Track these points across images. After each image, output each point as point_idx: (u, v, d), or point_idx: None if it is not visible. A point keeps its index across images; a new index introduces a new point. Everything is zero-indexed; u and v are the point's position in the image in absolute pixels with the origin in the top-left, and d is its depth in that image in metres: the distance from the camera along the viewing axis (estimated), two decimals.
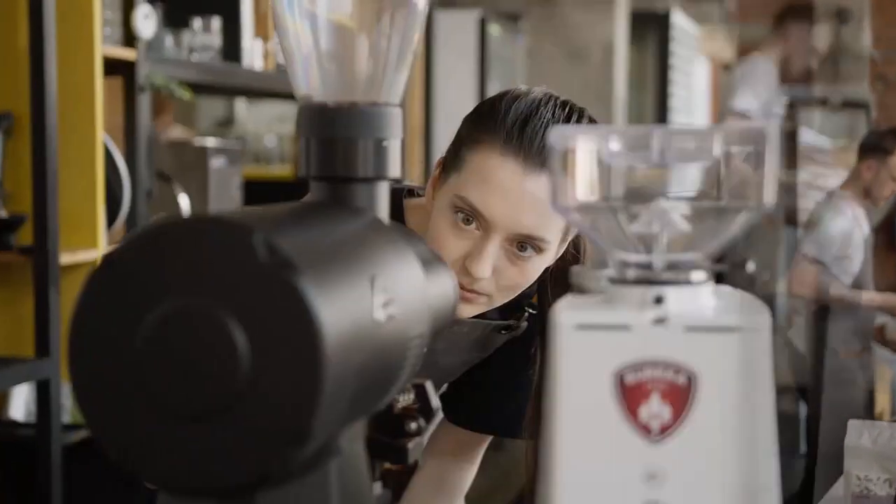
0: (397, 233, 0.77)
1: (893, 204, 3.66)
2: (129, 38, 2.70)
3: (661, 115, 7.32)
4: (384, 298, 0.67)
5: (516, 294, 1.31)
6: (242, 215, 0.62)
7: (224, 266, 0.59)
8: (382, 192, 0.77)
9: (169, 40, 2.98)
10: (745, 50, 8.71)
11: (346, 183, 0.76)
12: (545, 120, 1.23)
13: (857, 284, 4.51)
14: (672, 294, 0.67)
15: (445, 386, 1.51)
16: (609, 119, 5.75)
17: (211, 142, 3.24)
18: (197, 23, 3.06)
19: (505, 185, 1.22)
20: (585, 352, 0.66)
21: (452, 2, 5.40)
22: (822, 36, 4.62)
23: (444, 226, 1.26)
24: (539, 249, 1.25)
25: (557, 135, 0.68)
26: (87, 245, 2.55)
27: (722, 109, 4.64)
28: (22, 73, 2.42)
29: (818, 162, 4.52)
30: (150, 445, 0.60)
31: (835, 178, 4.55)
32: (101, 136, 2.54)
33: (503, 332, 1.42)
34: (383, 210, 0.77)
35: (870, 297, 4.70)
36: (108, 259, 0.61)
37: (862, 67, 9.31)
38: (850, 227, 4.51)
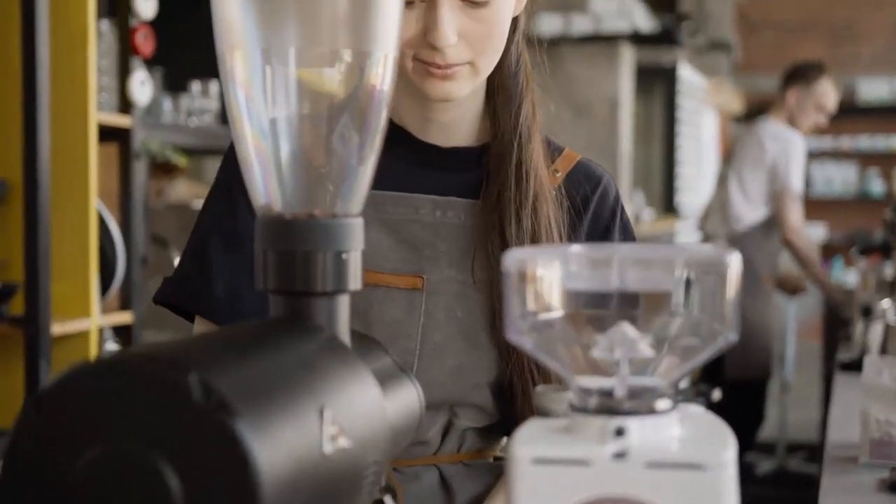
0: (355, 351, 0.74)
1: None
2: (126, 104, 2.70)
3: (669, 167, 7.31)
4: (335, 430, 0.64)
5: (499, 52, 1.21)
6: (181, 350, 0.59)
7: (158, 407, 0.57)
8: (342, 306, 0.75)
9: (167, 104, 2.97)
10: (752, 101, 8.75)
11: (305, 297, 0.73)
12: None
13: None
14: (634, 425, 0.64)
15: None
16: (615, 173, 5.73)
17: None
18: (196, 86, 3.06)
19: None
20: (543, 487, 0.63)
21: None
22: (829, 92, 4.59)
23: None
24: None
25: (513, 257, 0.66)
26: (80, 314, 2.53)
27: (763, 186, 4.55)
28: (15, 141, 2.41)
29: None
30: None
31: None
32: (94, 204, 2.53)
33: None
34: (343, 324, 0.75)
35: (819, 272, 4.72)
36: (39, 398, 0.58)
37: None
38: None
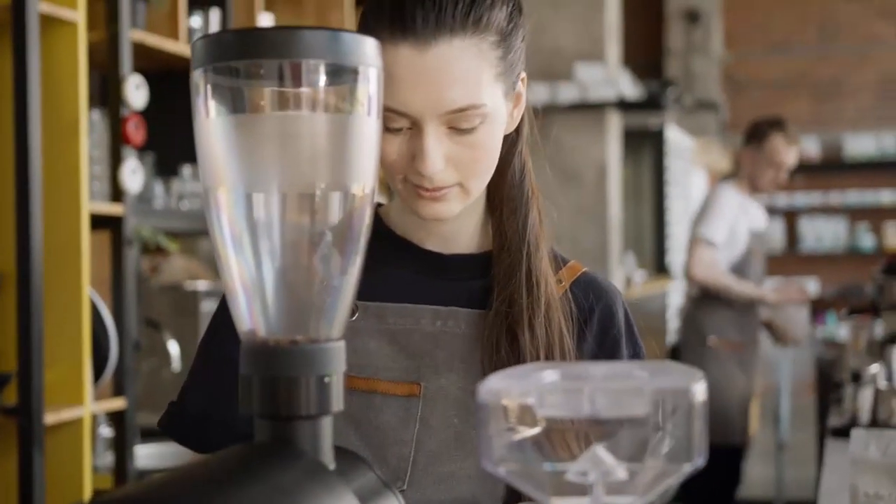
0: (337, 470, 0.76)
1: None
2: (118, 193, 2.73)
3: (659, 228, 7.37)
4: None
5: (489, 172, 1.21)
6: (166, 490, 0.62)
7: None
8: (325, 429, 0.77)
9: (159, 189, 3.01)
10: (739, 159, 8.83)
11: (289, 422, 0.76)
12: None
13: (738, 274, 4.53)
14: None
15: None
16: (605, 238, 5.77)
17: (203, 285, 3.26)
18: (186, 170, 3.10)
19: (407, 73, 1.13)
20: None
21: None
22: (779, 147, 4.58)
23: None
24: (481, 117, 1.17)
25: (487, 388, 0.69)
26: (73, 402, 2.54)
27: (691, 235, 4.66)
28: (8, 231, 2.44)
29: None
30: None
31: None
32: (87, 293, 2.55)
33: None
34: (326, 446, 0.77)
35: (759, 291, 4.65)
36: None
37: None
38: (737, 214, 4.54)
